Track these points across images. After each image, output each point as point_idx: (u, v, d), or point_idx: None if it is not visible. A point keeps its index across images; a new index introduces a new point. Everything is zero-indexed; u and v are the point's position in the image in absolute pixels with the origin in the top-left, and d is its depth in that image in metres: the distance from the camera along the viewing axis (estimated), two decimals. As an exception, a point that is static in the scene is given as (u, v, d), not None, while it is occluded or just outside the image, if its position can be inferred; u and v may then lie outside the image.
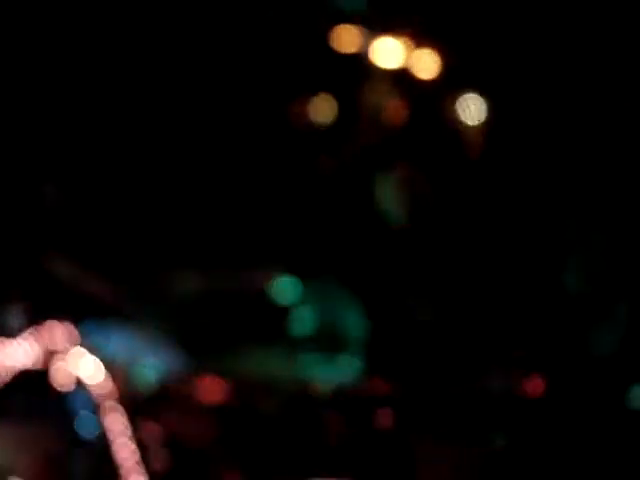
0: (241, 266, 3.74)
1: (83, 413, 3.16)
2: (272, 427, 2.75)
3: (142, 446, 2.87)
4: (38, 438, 3.00)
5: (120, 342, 3.36)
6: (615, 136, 5.31)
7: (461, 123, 6.17)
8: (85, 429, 3.15)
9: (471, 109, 6.15)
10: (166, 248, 4.19)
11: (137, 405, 2.80)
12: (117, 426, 2.90)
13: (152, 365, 2.81)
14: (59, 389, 3.15)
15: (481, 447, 2.60)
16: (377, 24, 4.78)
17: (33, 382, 3.16)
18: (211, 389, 2.75)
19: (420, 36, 5.81)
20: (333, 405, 2.52)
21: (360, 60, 5.56)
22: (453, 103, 6.19)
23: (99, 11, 5.38)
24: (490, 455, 2.60)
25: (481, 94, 6.19)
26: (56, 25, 5.31)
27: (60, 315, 3.25)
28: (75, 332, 3.25)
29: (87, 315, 3.36)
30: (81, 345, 3.21)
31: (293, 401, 2.61)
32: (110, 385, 2.81)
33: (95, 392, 3.01)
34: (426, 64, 5.99)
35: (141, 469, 2.76)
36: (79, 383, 3.11)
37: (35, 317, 3.29)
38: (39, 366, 3.12)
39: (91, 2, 5.32)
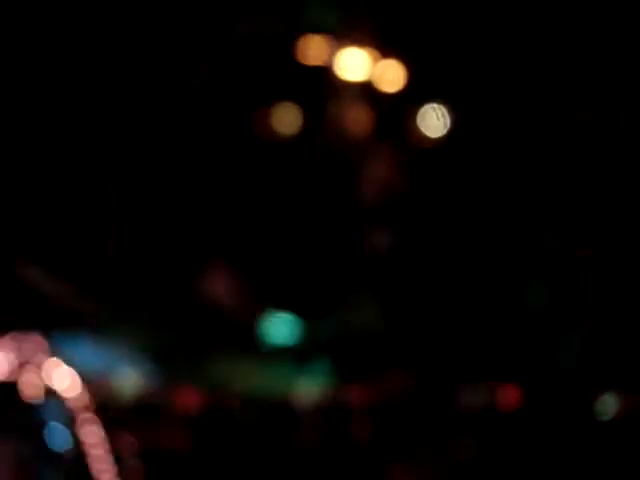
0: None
1: (55, 426, 3.12)
2: (249, 438, 2.76)
3: (118, 459, 2.84)
4: (8, 451, 2.96)
5: (94, 353, 3.33)
6: (578, 151, 5.41)
7: (424, 135, 6.24)
8: (57, 442, 3.11)
9: (434, 121, 6.24)
10: (139, 258, 4.19)
11: (113, 417, 2.78)
12: (92, 439, 2.87)
13: (128, 376, 2.79)
14: (30, 401, 3.11)
15: (455, 459, 2.63)
16: (343, 36, 4.80)
17: (2, 394, 3.12)
18: (188, 400, 2.75)
19: (385, 48, 5.88)
20: (311, 416, 2.54)
21: (325, 71, 5.61)
22: (417, 115, 6.27)
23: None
24: (464, 467, 2.64)
25: (445, 106, 6.28)
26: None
27: (32, 326, 3.22)
28: (47, 343, 3.22)
29: (60, 326, 3.33)
30: (54, 356, 3.17)
31: (271, 412, 2.63)
32: (85, 397, 2.78)
33: (69, 404, 2.97)
34: (391, 76, 6.06)
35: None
36: (52, 395, 3.07)
37: (6, 328, 3.26)
38: (9, 378, 3.08)
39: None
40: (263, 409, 2.73)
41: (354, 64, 5.66)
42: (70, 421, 2.94)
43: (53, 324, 3.30)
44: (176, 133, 5.70)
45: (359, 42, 5.49)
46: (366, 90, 6.01)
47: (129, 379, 2.77)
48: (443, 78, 5.84)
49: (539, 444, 2.62)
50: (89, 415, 2.76)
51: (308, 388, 2.70)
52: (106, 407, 2.78)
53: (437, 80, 5.90)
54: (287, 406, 2.65)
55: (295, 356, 3.88)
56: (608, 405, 2.52)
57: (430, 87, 6.02)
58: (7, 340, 3.12)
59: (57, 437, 3.00)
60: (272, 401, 2.82)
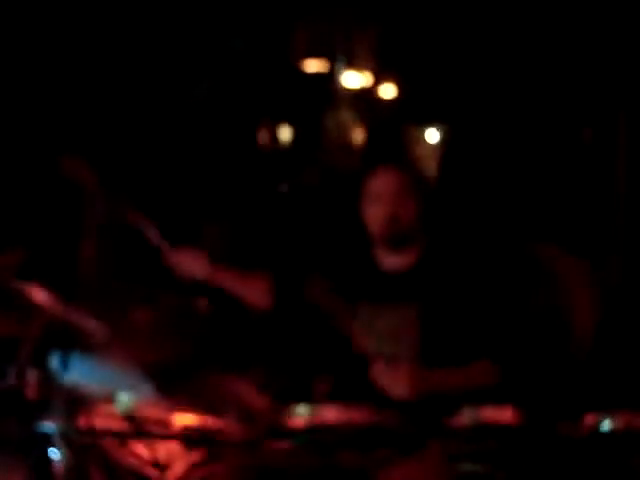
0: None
1: (53, 442, 3.13)
2: (246, 455, 2.76)
3: (115, 476, 2.85)
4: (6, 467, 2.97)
5: (91, 372, 3.33)
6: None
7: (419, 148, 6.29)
8: (55, 458, 3.13)
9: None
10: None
11: (109, 434, 2.79)
12: (90, 456, 2.87)
13: (123, 395, 2.79)
14: (27, 417, 3.13)
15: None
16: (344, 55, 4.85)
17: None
18: (184, 418, 2.75)
19: (383, 67, 5.93)
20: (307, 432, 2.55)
21: (326, 87, 5.64)
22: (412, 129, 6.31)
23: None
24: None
25: (438, 122, 6.32)
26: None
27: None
28: (45, 360, 3.24)
29: (56, 345, 3.34)
30: (51, 375, 3.19)
31: (267, 429, 2.64)
32: (81, 415, 2.80)
33: (66, 422, 2.99)
34: (388, 93, 6.12)
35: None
36: (49, 411, 3.09)
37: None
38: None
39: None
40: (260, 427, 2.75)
41: (353, 82, 5.71)
42: (67, 438, 2.96)
43: (50, 343, 3.31)
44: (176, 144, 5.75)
45: (359, 61, 5.54)
46: (364, 106, 6.07)
47: (128, 398, 2.77)
48: (439, 97, 5.89)
49: (535, 464, 2.62)
50: (86, 430, 2.77)
51: (302, 408, 2.71)
52: (104, 425, 2.78)
53: (433, 99, 5.95)
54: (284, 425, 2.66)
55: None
56: (606, 423, 2.52)
57: (426, 106, 6.08)
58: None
59: (55, 454, 3.01)
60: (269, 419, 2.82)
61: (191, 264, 3.30)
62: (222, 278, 3.31)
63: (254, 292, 3.30)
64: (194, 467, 2.64)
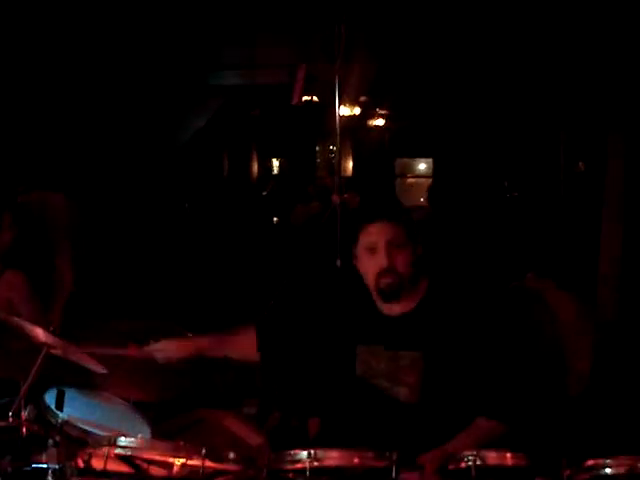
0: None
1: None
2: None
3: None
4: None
5: (87, 410, 3.30)
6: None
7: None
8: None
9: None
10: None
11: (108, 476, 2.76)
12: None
13: (123, 438, 2.75)
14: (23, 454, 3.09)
15: None
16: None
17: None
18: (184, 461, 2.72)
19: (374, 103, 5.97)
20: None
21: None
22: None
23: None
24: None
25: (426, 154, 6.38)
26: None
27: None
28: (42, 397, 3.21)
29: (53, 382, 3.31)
30: (47, 412, 3.16)
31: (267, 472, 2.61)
32: (79, 455, 2.77)
33: (61, 461, 2.95)
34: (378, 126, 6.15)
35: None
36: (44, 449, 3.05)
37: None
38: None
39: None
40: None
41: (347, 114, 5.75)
42: (63, 475, 2.93)
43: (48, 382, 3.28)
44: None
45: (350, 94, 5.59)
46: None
47: (127, 440, 2.73)
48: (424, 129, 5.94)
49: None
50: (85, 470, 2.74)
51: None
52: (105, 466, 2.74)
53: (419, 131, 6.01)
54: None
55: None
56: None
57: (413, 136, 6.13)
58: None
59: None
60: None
61: (168, 351, 3.28)
62: (204, 348, 3.26)
63: (240, 350, 3.27)
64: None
